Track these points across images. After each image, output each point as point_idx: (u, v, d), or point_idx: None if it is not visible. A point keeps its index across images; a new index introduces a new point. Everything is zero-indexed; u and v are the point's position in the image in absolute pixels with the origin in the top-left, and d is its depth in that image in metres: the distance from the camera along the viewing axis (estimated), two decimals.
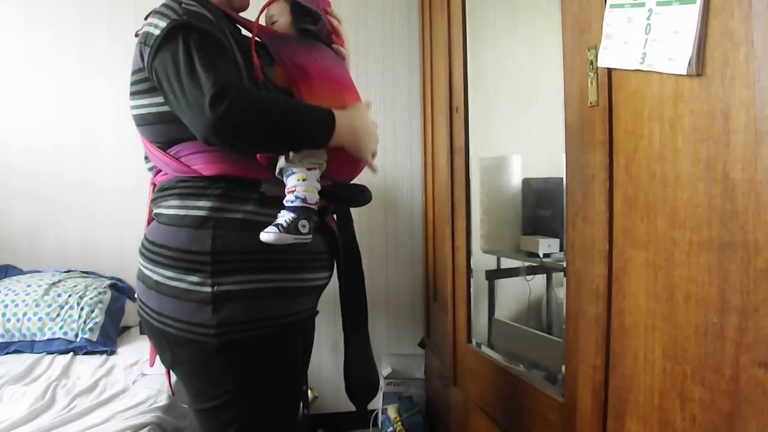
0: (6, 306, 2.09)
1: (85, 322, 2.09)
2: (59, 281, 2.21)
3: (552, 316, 1.94)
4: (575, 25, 1.11)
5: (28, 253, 2.48)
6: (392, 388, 2.62)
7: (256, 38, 1.12)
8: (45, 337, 2.07)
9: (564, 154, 1.17)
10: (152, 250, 1.05)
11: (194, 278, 1.00)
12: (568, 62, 1.14)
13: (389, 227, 2.80)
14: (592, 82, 1.04)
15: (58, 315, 2.09)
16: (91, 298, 2.16)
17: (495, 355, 1.75)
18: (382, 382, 2.63)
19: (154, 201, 1.10)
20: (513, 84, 2.04)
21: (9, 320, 2.07)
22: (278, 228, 1.00)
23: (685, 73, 0.81)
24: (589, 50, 1.04)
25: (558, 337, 1.59)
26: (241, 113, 0.93)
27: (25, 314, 2.07)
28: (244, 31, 1.19)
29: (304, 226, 1.02)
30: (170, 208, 1.05)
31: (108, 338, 2.11)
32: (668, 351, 0.87)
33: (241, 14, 1.23)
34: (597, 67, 1.02)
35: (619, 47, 0.95)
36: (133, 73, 1.07)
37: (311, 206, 1.05)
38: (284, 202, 1.04)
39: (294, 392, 1.14)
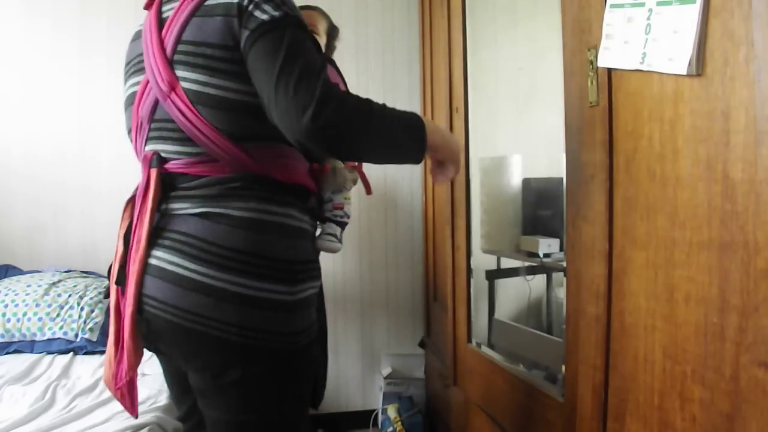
0: (6, 306, 2.09)
1: (85, 322, 2.09)
2: (59, 281, 2.21)
3: (552, 316, 1.94)
4: (575, 25, 1.11)
5: (28, 253, 2.48)
6: (392, 388, 2.62)
7: None
8: (45, 337, 2.07)
9: (564, 154, 1.17)
10: (233, 258, 0.95)
11: (282, 287, 0.98)
12: (568, 62, 1.14)
13: (389, 227, 2.80)
14: (592, 82, 1.04)
15: (58, 315, 2.09)
16: (91, 298, 2.16)
17: (495, 355, 1.75)
18: (382, 382, 2.63)
19: (217, 198, 0.98)
20: (513, 84, 2.04)
21: (9, 320, 2.07)
22: (337, 239, 1.15)
23: (685, 73, 0.81)
24: (589, 50, 1.04)
25: (558, 337, 1.59)
26: (343, 123, 0.89)
27: (25, 314, 2.07)
28: None
29: (342, 238, 1.20)
30: (247, 210, 0.97)
31: (108, 338, 2.11)
32: (668, 351, 0.87)
33: None
34: (597, 67, 1.02)
35: (619, 47, 0.95)
36: (218, 47, 0.93)
37: (348, 222, 1.23)
38: (331, 215, 1.17)
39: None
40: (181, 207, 0.98)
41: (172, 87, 0.95)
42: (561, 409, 1.22)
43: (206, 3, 0.95)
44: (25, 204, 2.48)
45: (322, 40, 1.35)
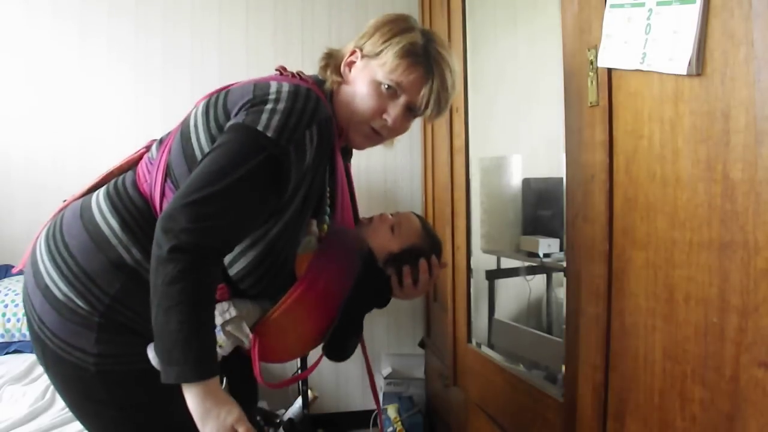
0: (6, 306, 2.09)
1: None
2: None
3: (552, 316, 1.94)
4: (575, 25, 1.11)
5: None
6: (392, 388, 2.61)
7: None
8: None
9: (564, 154, 1.17)
10: (60, 251, 0.95)
11: (84, 304, 0.92)
12: (568, 62, 1.14)
13: None
14: (592, 82, 1.04)
15: None
16: None
17: (495, 355, 1.75)
18: (381, 383, 2.63)
19: (108, 192, 0.99)
20: (513, 84, 2.04)
21: (9, 320, 2.07)
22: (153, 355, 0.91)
23: (685, 73, 0.81)
24: (589, 50, 1.04)
25: (558, 337, 1.59)
26: (169, 280, 0.82)
27: (25, 314, 2.07)
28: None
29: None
30: (107, 224, 0.94)
31: None
32: (668, 351, 0.87)
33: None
34: (597, 67, 1.02)
35: (619, 47, 0.95)
36: (224, 110, 0.93)
37: None
38: None
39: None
40: None
41: (191, 114, 0.99)
42: (561, 409, 1.22)
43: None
44: (25, 204, 2.48)
45: (393, 244, 1.08)
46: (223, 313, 0.94)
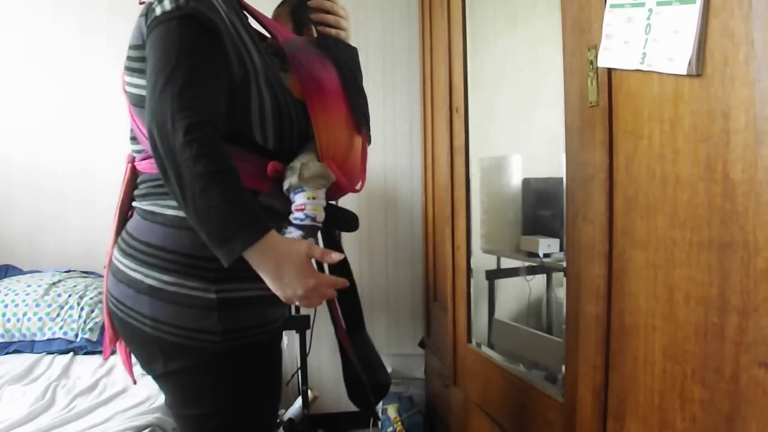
0: (6, 306, 2.09)
1: (85, 321, 2.09)
2: (59, 281, 2.21)
3: (552, 316, 1.94)
4: (575, 25, 1.11)
5: (28, 253, 2.48)
6: (392, 388, 2.61)
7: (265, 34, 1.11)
8: (45, 337, 2.07)
9: (564, 154, 1.17)
10: (146, 252, 0.98)
11: (195, 283, 0.96)
12: (568, 62, 1.14)
13: (389, 227, 2.80)
14: (592, 82, 1.04)
15: (58, 315, 2.09)
16: (91, 298, 2.16)
17: (495, 355, 1.75)
18: None
19: (145, 196, 1.03)
20: (513, 84, 2.04)
21: (9, 320, 2.07)
22: None
23: (685, 73, 0.81)
24: (589, 50, 1.04)
25: (558, 337, 1.59)
26: (193, 161, 0.84)
27: (25, 314, 2.07)
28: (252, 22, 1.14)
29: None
30: (169, 208, 0.99)
31: None
32: (668, 351, 0.87)
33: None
34: (597, 67, 1.02)
35: (619, 47, 0.95)
36: (133, 47, 0.99)
37: (318, 225, 1.04)
38: (292, 218, 1.03)
39: (277, 397, 1.12)
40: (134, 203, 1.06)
41: (124, 90, 1.04)
42: (561, 409, 1.22)
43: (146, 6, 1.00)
44: (25, 201, 2.48)
45: (287, 26, 1.24)
46: (292, 174, 1.02)
